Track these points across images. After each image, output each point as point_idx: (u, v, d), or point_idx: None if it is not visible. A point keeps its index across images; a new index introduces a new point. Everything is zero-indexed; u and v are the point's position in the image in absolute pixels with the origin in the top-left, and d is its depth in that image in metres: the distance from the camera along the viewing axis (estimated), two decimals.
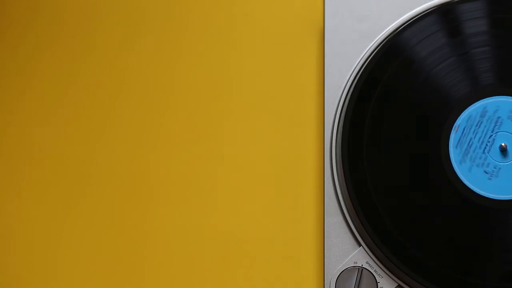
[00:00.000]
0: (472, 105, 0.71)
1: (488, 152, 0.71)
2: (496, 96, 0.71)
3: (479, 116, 0.71)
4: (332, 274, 0.71)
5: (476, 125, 0.71)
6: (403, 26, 0.74)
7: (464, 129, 0.71)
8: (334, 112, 0.74)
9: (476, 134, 0.71)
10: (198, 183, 0.78)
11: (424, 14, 0.74)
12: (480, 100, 0.71)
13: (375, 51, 0.74)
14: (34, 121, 0.80)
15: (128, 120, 0.80)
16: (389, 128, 0.72)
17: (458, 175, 0.71)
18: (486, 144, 0.71)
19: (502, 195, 0.70)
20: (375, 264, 0.71)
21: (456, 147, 0.71)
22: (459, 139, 0.71)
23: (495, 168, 0.71)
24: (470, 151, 0.71)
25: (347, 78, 0.74)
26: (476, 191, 0.70)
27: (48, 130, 0.80)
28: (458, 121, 0.71)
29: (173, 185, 0.78)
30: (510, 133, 0.71)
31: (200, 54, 0.80)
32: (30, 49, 0.82)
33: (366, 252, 0.72)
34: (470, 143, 0.71)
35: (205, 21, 0.81)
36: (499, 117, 0.71)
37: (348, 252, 0.72)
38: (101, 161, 0.79)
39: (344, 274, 0.71)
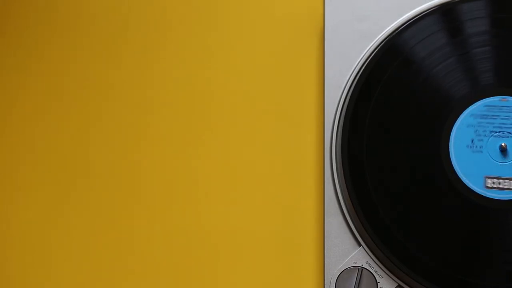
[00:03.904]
0: (469, 107, 0.71)
1: (490, 136, 0.71)
2: (496, 96, 0.71)
3: None
4: (332, 274, 0.71)
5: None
6: (403, 26, 0.74)
7: (505, 106, 0.71)
8: (334, 112, 0.74)
9: (507, 118, 0.71)
10: (197, 183, 0.78)
11: (424, 14, 0.74)
12: (480, 101, 0.71)
13: (375, 51, 0.74)
14: (27, 120, 0.80)
15: (127, 119, 0.80)
16: (389, 128, 0.72)
17: (459, 175, 0.71)
18: (499, 132, 0.71)
19: (505, 195, 0.70)
20: (375, 264, 0.71)
21: (485, 106, 0.70)
22: (494, 105, 0.70)
23: (480, 147, 0.71)
24: (485, 121, 0.71)
25: (347, 78, 0.74)
26: (476, 191, 0.70)
27: (40, 129, 0.80)
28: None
29: (172, 185, 0.78)
30: (509, 133, 0.71)
31: (200, 54, 0.80)
32: (23, 50, 0.82)
33: (366, 252, 0.72)
34: (494, 116, 0.71)
35: (204, 21, 0.81)
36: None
37: (348, 252, 0.72)
38: (95, 160, 0.79)
39: (344, 274, 0.71)
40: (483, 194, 0.70)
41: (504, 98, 0.71)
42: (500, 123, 0.71)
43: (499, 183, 0.70)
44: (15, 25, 0.82)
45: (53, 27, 0.82)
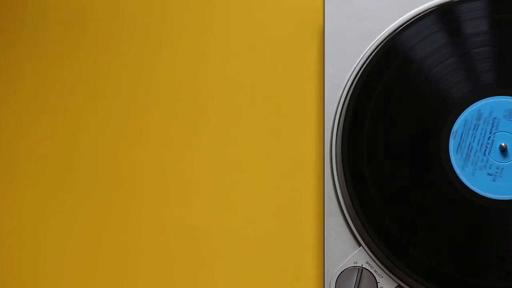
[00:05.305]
0: (468, 107, 0.71)
1: (489, 154, 0.71)
2: (496, 96, 0.71)
3: (475, 119, 0.71)
4: (332, 274, 0.71)
5: (474, 129, 0.71)
6: (403, 26, 0.74)
7: (462, 134, 0.71)
8: (334, 112, 0.74)
9: (474, 137, 0.71)
10: (197, 183, 0.78)
11: (424, 14, 0.74)
12: (479, 101, 0.71)
13: (375, 51, 0.74)
14: (24, 119, 0.80)
15: (125, 119, 0.80)
16: (389, 128, 0.72)
17: (458, 175, 0.71)
18: (486, 146, 0.71)
19: (505, 195, 0.70)
20: (375, 264, 0.71)
21: (457, 153, 0.71)
22: (458, 144, 0.71)
23: (497, 168, 0.71)
24: (471, 155, 0.71)
25: (347, 78, 0.74)
26: (477, 191, 0.70)
27: (37, 128, 0.80)
28: (455, 127, 0.71)
29: (171, 185, 0.78)
30: (509, 133, 0.71)
31: (199, 53, 0.80)
32: (22, 49, 0.82)
33: (366, 252, 0.72)
34: (470, 147, 0.71)
35: (203, 21, 0.81)
36: (495, 118, 0.71)
37: (348, 252, 0.72)
38: (92, 159, 0.79)
39: (344, 274, 0.71)
40: (483, 194, 0.70)
41: (454, 133, 0.71)
42: (478, 144, 0.71)
43: None
44: (12, 23, 0.82)
45: (50, 26, 0.82)
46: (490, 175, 0.71)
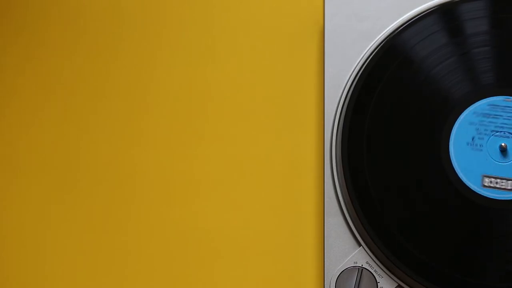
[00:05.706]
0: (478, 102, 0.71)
1: (492, 135, 0.71)
2: (496, 96, 0.71)
3: None
4: (332, 274, 0.71)
5: None
6: (403, 26, 0.74)
7: (508, 107, 0.70)
8: (334, 112, 0.74)
9: (509, 119, 0.71)
10: (197, 183, 0.78)
11: (424, 14, 0.74)
12: (482, 100, 0.72)
13: (375, 51, 0.74)
14: (24, 119, 0.80)
15: (125, 118, 0.80)
16: (389, 128, 0.72)
17: (459, 175, 0.71)
18: (500, 131, 0.71)
19: (499, 194, 0.70)
20: (375, 264, 0.71)
21: (489, 105, 0.70)
22: (497, 106, 0.70)
23: (480, 146, 0.70)
24: (487, 120, 0.70)
25: (347, 78, 0.74)
26: (476, 191, 0.70)
27: (37, 128, 0.80)
28: None
29: (171, 185, 0.78)
30: None
31: (199, 54, 0.80)
32: (23, 48, 0.82)
33: (366, 252, 0.72)
34: (497, 116, 0.71)
35: (204, 22, 0.81)
36: None
37: (348, 252, 0.72)
38: (92, 159, 0.79)
39: (344, 274, 0.71)
40: (483, 194, 0.70)
41: (508, 98, 0.71)
42: (502, 123, 0.71)
43: (496, 183, 0.70)
44: (12, 23, 0.82)
45: (50, 26, 0.82)
46: (472, 139, 0.70)
